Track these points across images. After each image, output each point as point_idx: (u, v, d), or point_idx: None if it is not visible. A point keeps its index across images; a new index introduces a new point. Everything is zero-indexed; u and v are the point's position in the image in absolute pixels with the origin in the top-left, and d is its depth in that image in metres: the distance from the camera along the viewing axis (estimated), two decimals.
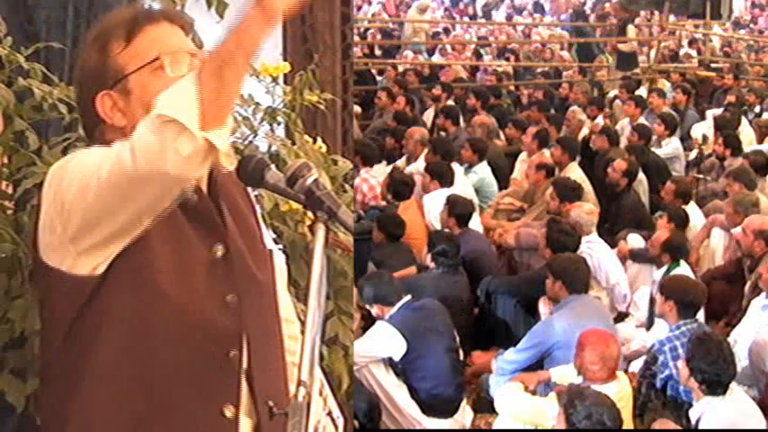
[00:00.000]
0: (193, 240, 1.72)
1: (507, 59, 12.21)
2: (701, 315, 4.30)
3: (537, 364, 3.94)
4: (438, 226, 5.25)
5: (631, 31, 10.72)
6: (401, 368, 3.91)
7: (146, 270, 1.66)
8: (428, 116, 8.55)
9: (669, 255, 4.75)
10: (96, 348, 1.67)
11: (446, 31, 14.48)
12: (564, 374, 3.67)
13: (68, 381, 1.70)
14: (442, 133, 7.66)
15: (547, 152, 6.61)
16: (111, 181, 1.56)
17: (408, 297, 3.99)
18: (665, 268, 4.72)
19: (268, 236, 1.97)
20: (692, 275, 4.64)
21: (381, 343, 3.89)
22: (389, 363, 3.90)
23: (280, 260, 1.98)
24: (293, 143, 2.78)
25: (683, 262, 4.74)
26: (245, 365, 1.75)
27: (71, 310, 1.69)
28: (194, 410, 1.69)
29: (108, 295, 1.66)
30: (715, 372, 3.30)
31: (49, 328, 1.78)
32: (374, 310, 4.02)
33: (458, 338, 4.08)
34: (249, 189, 1.92)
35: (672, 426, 3.55)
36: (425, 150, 6.44)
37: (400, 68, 11.30)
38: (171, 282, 1.67)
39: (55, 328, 1.74)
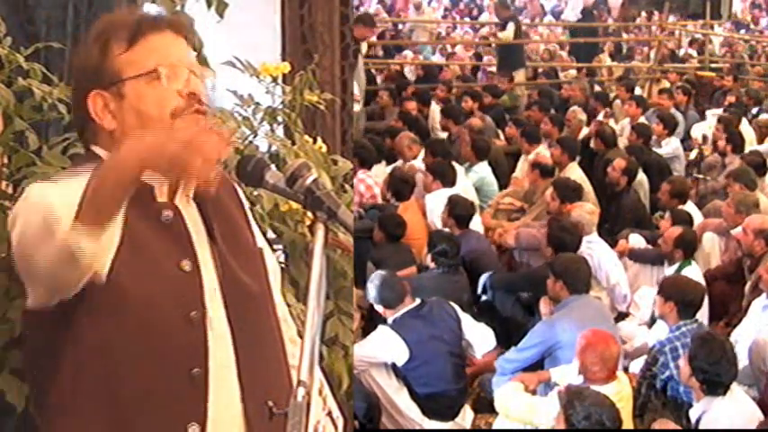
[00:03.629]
0: (161, 256, 1.71)
1: None
2: (705, 316, 4.32)
3: (537, 364, 3.94)
4: (440, 226, 5.25)
5: (510, 29, 10.46)
6: (403, 373, 3.91)
7: (109, 288, 1.63)
8: (433, 115, 8.53)
9: (682, 251, 4.75)
10: (58, 365, 1.67)
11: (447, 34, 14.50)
12: (564, 374, 3.67)
13: (39, 390, 1.73)
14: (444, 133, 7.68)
15: (545, 150, 6.61)
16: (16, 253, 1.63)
17: (416, 303, 3.96)
18: (676, 266, 4.73)
19: (259, 234, 1.96)
20: (701, 275, 4.65)
21: (383, 348, 3.88)
22: (391, 366, 3.89)
23: (272, 260, 1.96)
24: (293, 143, 2.78)
25: (693, 261, 4.75)
26: (233, 369, 1.73)
27: (38, 330, 1.71)
28: (157, 429, 1.67)
29: (70, 314, 1.65)
30: (716, 372, 3.31)
31: (24, 336, 1.82)
32: (379, 309, 4.02)
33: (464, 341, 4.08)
34: (237, 186, 1.92)
35: (672, 426, 3.55)
36: (421, 152, 6.44)
37: (406, 69, 11.34)
38: (134, 299, 1.66)
39: (29, 338, 1.79)
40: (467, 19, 16.48)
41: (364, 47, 8.09)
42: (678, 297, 3.93)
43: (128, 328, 1.66)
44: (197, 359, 1.70)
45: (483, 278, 4.82)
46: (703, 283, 4.48)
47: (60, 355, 1.67)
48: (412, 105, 8.38)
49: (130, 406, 1.65)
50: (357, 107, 6.89)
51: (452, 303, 4.09)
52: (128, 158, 1.51)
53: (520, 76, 10.37)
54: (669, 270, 4.76)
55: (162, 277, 1.69)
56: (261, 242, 1.94)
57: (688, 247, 4.78)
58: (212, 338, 1.72)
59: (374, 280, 4.02)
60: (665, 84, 10.30)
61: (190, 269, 1.72)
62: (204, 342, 1.71)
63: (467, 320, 4.09)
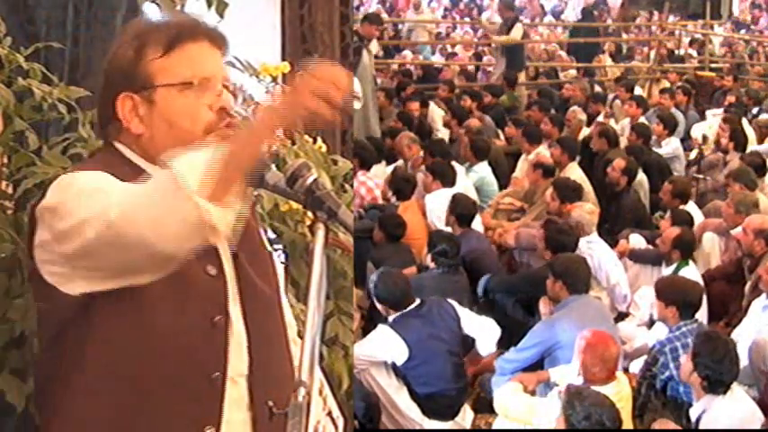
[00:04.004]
0: (188, 260, 1.67)
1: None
2: (705, 316, 4.32)
3: (537, 364, 3.94)
4: (440, 226, 5.25)
5: (518, 29, 10.48)
6: (402, 372, 3.90)
7: (136, 291, 1.62)
8: (432, 116, 8.53)
9: (680, 251, 4.75)
10: (78, 363, 1.66)
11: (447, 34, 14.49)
12: (563, 375, 3.67)
13: (53, 388, 1.70)
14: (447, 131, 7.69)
15: (545, 150, 6.61)
16: (99, 236, 1.52)
17: (416, 303, 3.96)
18: (673, 266, 4.73)
19: (265, 236, 1.96)
20: (698, 275, 4.64)
21: (383, 346, 3.87)
22: (391, 365, 3.90)
23: (278, 262, 1.97)
24: (293, 143, 2.78)
25: (691, 261, 4.74)
26: (245, 373, 1.74)
27: (56, 324, 1.68)
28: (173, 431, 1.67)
29: (94, 313, 1.64)
30: (719, 370, 3.31)
31: (41, 331, 1.79)
32: (380, 307, 4.01)
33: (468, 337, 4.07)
34: None
35: (672, 426, 3.55)
36: (420, 151, 6.45)
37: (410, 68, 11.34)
38: (161, 304, 1.65)
39: (45, 333, 1.76)
40: (467, 19, 16.48)
41: (374, 47, 8.09)
42: (677, 299, 3.93)
43: (150, 332, 1.65)
44: (218, 364, 1.70)
45: (482, 281, 4.81)
46: (701, 283, 4.48)
47: (67, 355, 1.67)
48: (414, 106, 8.39)
49: (145, 405, 1.65)
50: (357, 105, 6.87)
51: (452, 302, 4.09)
52: (263, 129, 1.51)
53: (520, 76, 10.38)
54: (666, 270, 4.76)
55: (190, 281, 1.68)
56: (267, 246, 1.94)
57: (686, 247, 4.77)
58: (231, 343, 1.72)
59: (381, 278, 4.01)
60: (666, 84, 10.30)
61: (215, 273, 1.72)
62: (225, 347, 1.71)
63: (468, 315, 4.08)
